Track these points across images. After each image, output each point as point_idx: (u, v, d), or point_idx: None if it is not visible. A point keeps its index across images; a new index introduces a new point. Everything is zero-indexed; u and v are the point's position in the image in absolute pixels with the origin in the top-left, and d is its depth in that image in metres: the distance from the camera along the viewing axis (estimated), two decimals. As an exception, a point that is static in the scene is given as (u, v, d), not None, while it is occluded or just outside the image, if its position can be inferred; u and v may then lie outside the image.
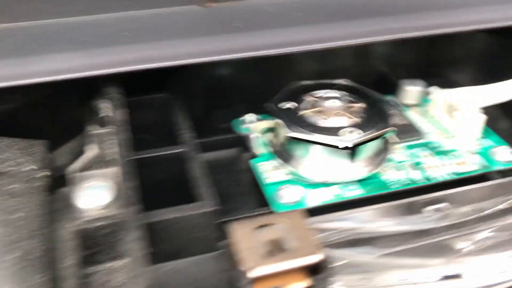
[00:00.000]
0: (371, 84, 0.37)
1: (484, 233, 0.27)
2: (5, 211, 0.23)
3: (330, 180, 0.30)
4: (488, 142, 0.34)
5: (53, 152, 0.31)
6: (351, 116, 0.31)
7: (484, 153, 0.33)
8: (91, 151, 0.30)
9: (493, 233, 0.26)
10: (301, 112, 0.31)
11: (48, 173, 0.27)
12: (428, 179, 0.31)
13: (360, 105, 0.32)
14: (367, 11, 0.34)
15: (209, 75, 0.38)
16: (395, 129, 0.33)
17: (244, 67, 0.39)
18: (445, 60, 0.43)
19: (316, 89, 0.34)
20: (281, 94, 0.33)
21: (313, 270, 0.21)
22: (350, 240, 0.24)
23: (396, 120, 0.36)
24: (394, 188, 0.30)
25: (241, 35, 0.32)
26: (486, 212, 0.27)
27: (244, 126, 0.35)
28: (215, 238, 0.24)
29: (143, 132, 0.30)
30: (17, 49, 0.29)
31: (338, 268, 0.22)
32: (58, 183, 0.28)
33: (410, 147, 0.34)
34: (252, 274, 0.20)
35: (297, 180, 0.31)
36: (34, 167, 0.26)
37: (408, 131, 0.35)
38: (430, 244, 0.25)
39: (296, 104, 0.32)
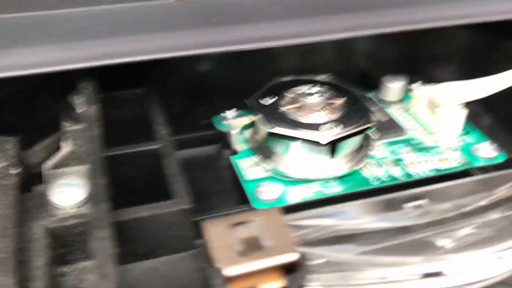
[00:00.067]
0: (353, 80, 0.37)
1: (466, 230, 0.26)
2: (-25, 209, 0.22)
3: (311, 177, 0.30)
4: (470, 138, 0.34)
5: (28, 149, 0.31)
6: (332, 112, 0.31)
7: (466, 149, 0.33)
8: (66, 148, 0.29)
9: (474, 229, 0.26)
10: (282, 108, 0.31)
11: (21, 171, 0.26)
12: (409, 175, 0.31)
13: (341, 101, 0.32)
14: (348, 6, 0.34)
15: (188, 70, 0.37)
16: (376, 125, 0.33)
17: (224, 62, 0.38)
18: (428, 56, 0.43)
19: (297, 85, 0.33)
20: (262, 90, 0.33)
21: (290, 269, 0.20)
22: (328, 238, 0.23)
23: (378, 116, 0.36)
24: (374, 184, 0.30)
25: (219, 29, 0.31)
26: (467, 208, 0.26)
27: (225, 122, 0.35)
28: (191, 236, 0.23)
29: (119, 128, 0.30)
30: (-11, 43, 0.28)
31: (316, 266, 0.22)
32: (34, 180, 0.28)
33: (391, 143, 0.33)
34: (226, 273, 0.19)
35: (278, 177, 0.30)
36: (6, 164, 0.26)
37: (390, 127, 0.35)
38: (411, 241, 0.25)
39: (277, 100, 0.32)
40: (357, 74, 0.42)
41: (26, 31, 0.30)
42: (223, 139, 0.35)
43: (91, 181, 0.22)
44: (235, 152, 0.33)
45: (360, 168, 0.31)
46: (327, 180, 0.30)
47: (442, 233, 0.26)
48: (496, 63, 0.38)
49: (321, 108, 0.31)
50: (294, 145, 0.30)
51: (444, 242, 0.25)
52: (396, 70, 0.39)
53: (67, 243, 0.24)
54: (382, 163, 0.32)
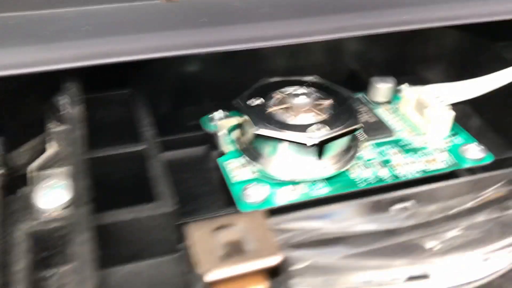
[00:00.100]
0: (342, 81, 0.37)
1: (452, 232, 0.26)
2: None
3: (298, 178, 0.30)
4: (458, 140, 0.34)
5: (13, 151, 0.30)
6: (319, 113, 0.31)
7: (454, 151, 0.33)
8: (51, 149, 0.29)
9: (461, 232, 0.26)
10: (269, 109, 0.31)
11: (5, 172, 0.26)
12: (396, 177, 0.30)
13: (328, 102, 0.31)
14: (336, 7, 0.34)
15: (176, 71, 0.37)
16: (363, 126, 0.33)
17: (213, 63, 0.38)
18: (417, 57, 0.43)
19: (285, 86, 0.33)
20: (250, 91, 0.33)
21: (273, 273, 0.20)
22: (314, 241, 0.23)
23: (366, 117, 0.36)
24: (362, 186, 0.30)
25: (207, 29, 0.31)
26: (454, 210, 0.26)
27: (212, 123, 0.35)
28: (174, 239, 0.23)
29: (105, 130, 0.29)
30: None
31: (300, 270, 0.22)
32: (19, 182, 0.27)
33: (379, 144, 0.33)
34: (208, 277, 0.19)
35: (265, 179, 0.30)
36: (-11, 165, 0.25)
37: (378, 128, 0.34)
38: (397, 244, 0.24)
39: (264, 101, 0.31)
40: (346, 75, 0.42)
41: (11, 31, 0.29)
42: (211, 140, 0.34)
43: (73, 183, 0.21)
44: (222, 154, 0.33)
45: (348, 170, 0.31)
46: (314, 181, 0.30)
47: (429, 236, 0.26)
48: (485, 65, 0.38)
49: (308, 109, 0.31)
50: (281, 146, 0.30)
51: (430, 244, 0.25)
52: (385, 71, 0.39)
53: (49, 247, 0.24)
54: (369, 165, 0.31)
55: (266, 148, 0.30)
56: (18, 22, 0.31)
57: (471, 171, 0.32)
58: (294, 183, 0.30)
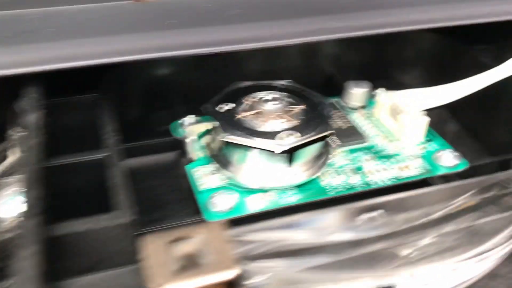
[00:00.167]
0: (317, 86, 0.36)
1: (423, 242, 0.26)
2: None
3: (268, 186, 0.29)
4: (432, 146, 0.33)
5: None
6: (290, 119, 0.30)
7: (428, 157, 0.32)
8: (12, 157, 0.28)
9: (431, 241, 0.25)
10: (239, 115, 0.30)
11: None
12: (368, 184, 0.30)
13: (300, 108, 0.31)
14: (310, 10, 0.33)
15: (146, 75, 0.36)
16: (334, 132, 0.32)
17: (185, 66, 0.37)
18: (394, 61, 0.42)
19: (256, 90, 0.32)
20: (220, 96, 0.32)
21: (230, 287, 0.19)
22: (277, 252, 0.22)
23: (340, 123, 0.35)
24: (332, 194, 0.29)
25: (177, 32, 0.30)
26: (423, 219, 0.25)
27: (182, 128, 0.34)
28: (133, 250, 0.22)
29: (67, 136, 0.28)
30: None
31: (260, 283, 0.21)
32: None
33: (352, 151, 0.33)
34: (160, 293, 0.18)
35: (233, 186, 0.29)
36: None
37: (351, 134, 0.34)
38: (364, 255, 0.24)
39: (234, 107, 0.31)
40: (323, 79, 0.41)
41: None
42: (181, 146, 0.34)
43: (25, 193, 0.21)
44: (192, 160, 0.32)
45: (319, 177, 0.30)
46: (284, 189, 0.29)
47: (397, 246, 0.25)
48: (462, 69, 0.37)
49: (279, 115, 0.30)
50: (250, 153, 0.29)
51: (399, 254, 0.25)
52: (362, 75, 0.39)
53: (5, 257, 0.23)
54: (341, 172, 0.31)
55: (235, 155, 0.30)
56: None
57: (445, 178, 0.31)
58: (263, 191, 0.29)
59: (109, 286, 0.22)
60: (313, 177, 0.30)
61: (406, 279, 0.24)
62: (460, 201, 0.27)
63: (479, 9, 0.34)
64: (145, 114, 0.37)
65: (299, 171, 0.29)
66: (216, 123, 0.29)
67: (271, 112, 0.30)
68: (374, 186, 0.30)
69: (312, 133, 0.29)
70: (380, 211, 0.25)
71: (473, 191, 0.27)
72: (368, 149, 0.33)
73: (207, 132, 0.33)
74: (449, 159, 0.31)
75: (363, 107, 0.37)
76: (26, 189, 0.21)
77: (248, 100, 0.31)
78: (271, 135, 0.28)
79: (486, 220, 0.26)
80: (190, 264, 0.19)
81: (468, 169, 0.32)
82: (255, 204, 0.28)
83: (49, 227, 0.21)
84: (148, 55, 0.29)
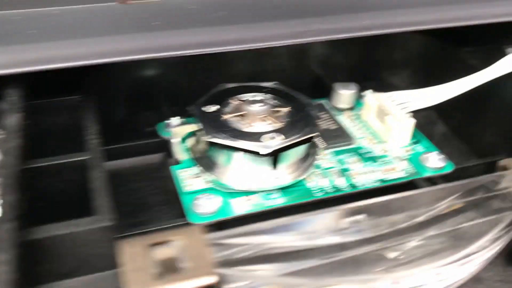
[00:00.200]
0: (305, 87, 0.36)
1: (409, 244, 0.26)
2: None
3: (253, 188, 0.29)
4: (419, 148, 0.33)
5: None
6: (276, 120, 0.30)
7: (415, 159, 0.32)
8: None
9: (415, 245, 0.25)
10: (224, 116, 0.30)
11: None
12: (354, 186, 0.30)
13: (286, 110, 0.31)
14: (297, 12, 0.33)
15: (132, 76, 0.36)
16: (319, 134, 0.32)
17: (171, 68, 0.37)
18: (383, 62, 0.42)
19: (243, 92, 0.32)
20: (206, 97, 0.32)
21: (209, 292, 0.19)
22: (259, 256, 0.22)
23: (327, 124, 0.35)
24: (317, 196, 0.29)
25: (162, 33, 0.30)
26: (406, 223, 0.25)
27: (168, 129, 0.34)
28: (113, 254, 0.22)
29: (50, 138, 0.28)
30: None
31: (240, 288, 0.21)
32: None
33: (339, 152, 0.32)
34: (136, 298, 0.18)
35: (218, 189, 0.29)
36: None
37: (338, 136, 0.34)
38: (347, 259, 0.24)
39: (220, 108, 0.30)
40: (312, 80, 0.41)
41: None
42: (167, 148, 0.33)
43: (1, 197, 0.20)
44: (177, 162, 0.31)
45: (305, 179, 0.30)
46: (269, 191, 0.29)
47: (380, 250, 0.25)
48: (450, 71, 0.37)
49: (265, 117, 0.30)
50: (235, 155, 0.29)
51: (382, 259, 0.24)
52: (351, 76, 0.39)
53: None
54: (327, 173, 0.31)
55: (220, 157, 0.29)
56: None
57: (431, 180, 0.31)
58: (248, 193, 0.29)
59: (89, 291, 0.22)
60: (299, 179, 0.30)
61: (389, 284, 0.24)
62: (445, 204, 0.26)
63: (467, 11, 0.34)
64: (131, 115, 0.37)
65: (284, 173, 0.29)
66: (200, 124, 0.29)
67: (257, 113, 0.30)
68: (360, 188, 0.30)
69: (297, 135, 0.28)
70: (365, 215, 0.25)
71: (458, 194, 0.27)
72: (355, 151, 0.33)
73: (193, 134, 0.32)
74: (435, 162, 0.31)
75: (351, 108, 0.37)
76: (2, 193, 0.20)
77: (234, 102, 0.31)
78: (256, 136, 0.28)
79: (471, 223, 0.26)
80: (169, 269, 0.19)
81: (455, 171, 0.32)
82: (240, 207, 0.28)
83: (26, 231, 0.20)
84: (132, 56, 0.28)
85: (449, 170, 0.31)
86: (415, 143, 0.33)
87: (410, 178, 0.31)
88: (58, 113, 0.29)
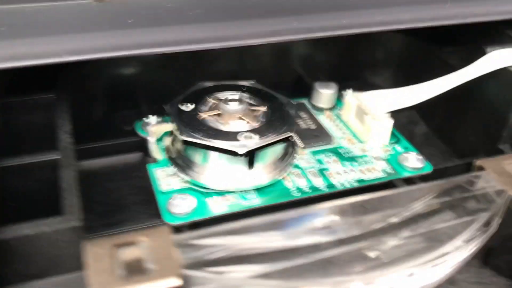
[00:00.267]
0: (286, 86, 0.36)
1: (385, 245, 0.25)
2: None
3: (229, 188, 0.29)
4: (398, 148, 0.33)
5: None
6: (253, 120, 0.29)
7: (394, 159, 0.32)
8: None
9: (388, 246, 0.25)
10: (201, 115, 0.29)
11: None
12: (332, 186, 0.29)
13: (263, 109, 0.30)
14: (276, 10, 0.33)
15: (109, 74, 0.36)
16: (296, 134, 0.32)
17: (149, 66, 0.37)
18: (363, 62, 0.42)
19: (221, 90, 0.32)
20: (183, 96, 0.31)
21: (176, 294, 0.19)
22: (229, 258, 0.22)
23: (307, 124, 0.35)
24: (295, 196, 0.29)
25: (138, 31, 0.30)
26: (383, 224, 0.25)
27: (146, 128, 0.33)
28: (82, 256, 0.22)
29: (23, 137, 0.28)
30: None
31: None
32: None
33: (318, 152, 0.32)
34: (100, 301, 0.18)
35: (194, 189, 0.29)
36: None
37: (318, 135, 0.33)
38: (320, 261, 0.23)
39: (197, 106, 0.30)
40: (292, 79, 0.41)
41: None
42: (146, 147, 0.33)
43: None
44: (155, 161, 0.31)
45: (283, 178, 0.30)
46: (246, 191, 0.29)
47: (357, 251, 0.24)
48: (430, 70, 0.37)
49: (242, 116, 0.30)
50: (211, 155, 0.28)
51: (356, 260, 0.24)
52: (332, 75, 0.39)
53: None
54: (305, 173, 0.30)
55: (196, 157, 0.29)
56: None
57: (409, 180, 0.31)
58: (224, 193, 0.29)
59: (57, 292, 0.22)
60: (277, 179, 0.29)
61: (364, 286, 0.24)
62: (422, 204, 0.26)
63: (447, 11, 0.34)
64: (109, 114, 0.36)
65: (262, 173, 0.29)
66: (177, 123, 0.29)
67: (234, 112, 0.30)
68: (338, 188, 0.29)
69: (274, 135, 0.28)
70: (335, 217, 0.25)
71: (434, 194, 0.27)
72: (335, 150, 0.32)
73: (170, 133, 0.32)
74: (414, 162, 0.31)
75: (331, 108, 0.37)
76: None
77: (211, 101, 0.31)
78: (231, 136, 0.28)
79: (447, 224, 0.26)
80: (134, 270, 0.19)
81: (434, 171, 0.31)
82: (216, 207, 0.28)
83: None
84: (108, 54, 0.28)
85: (428, 170, 0.31)
86: (393, 143, 0.33)
87: (389, 179, 0.30)
88: (32, 112, 0.29)
